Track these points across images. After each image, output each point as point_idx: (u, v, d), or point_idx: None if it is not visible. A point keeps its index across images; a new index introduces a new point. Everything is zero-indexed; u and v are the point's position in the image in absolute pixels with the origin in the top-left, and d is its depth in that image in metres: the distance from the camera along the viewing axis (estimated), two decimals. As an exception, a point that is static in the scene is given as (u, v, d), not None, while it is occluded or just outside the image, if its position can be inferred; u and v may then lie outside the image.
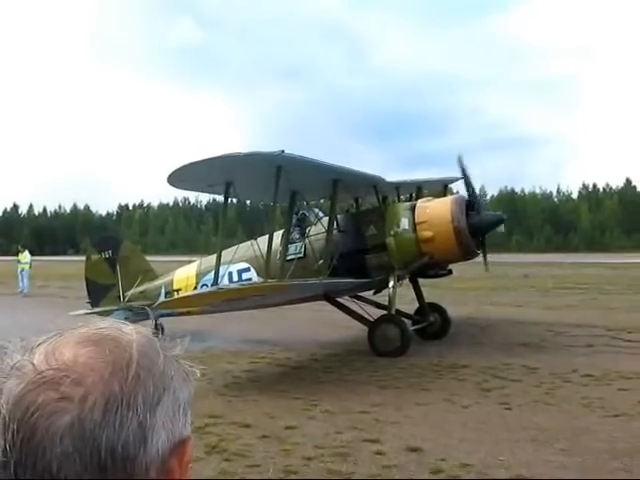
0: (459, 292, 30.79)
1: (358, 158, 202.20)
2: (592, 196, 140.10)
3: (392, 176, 20.22)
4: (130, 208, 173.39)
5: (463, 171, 18.33)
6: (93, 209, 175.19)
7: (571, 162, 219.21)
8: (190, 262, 22.56)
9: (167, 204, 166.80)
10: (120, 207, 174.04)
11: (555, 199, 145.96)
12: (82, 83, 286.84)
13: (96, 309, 20.48)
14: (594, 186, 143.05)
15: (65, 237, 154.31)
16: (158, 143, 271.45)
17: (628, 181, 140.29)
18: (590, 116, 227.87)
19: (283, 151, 15.23)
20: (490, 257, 18.92)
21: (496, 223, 18.58)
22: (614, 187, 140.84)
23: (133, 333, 1.15)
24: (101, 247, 21.76)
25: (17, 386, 1.05)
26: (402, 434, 9.81)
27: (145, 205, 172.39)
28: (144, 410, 1.07)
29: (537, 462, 8.46)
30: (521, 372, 14.09)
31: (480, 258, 18.50)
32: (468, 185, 18.41)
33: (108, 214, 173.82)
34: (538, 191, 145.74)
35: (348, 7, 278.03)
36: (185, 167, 15.22)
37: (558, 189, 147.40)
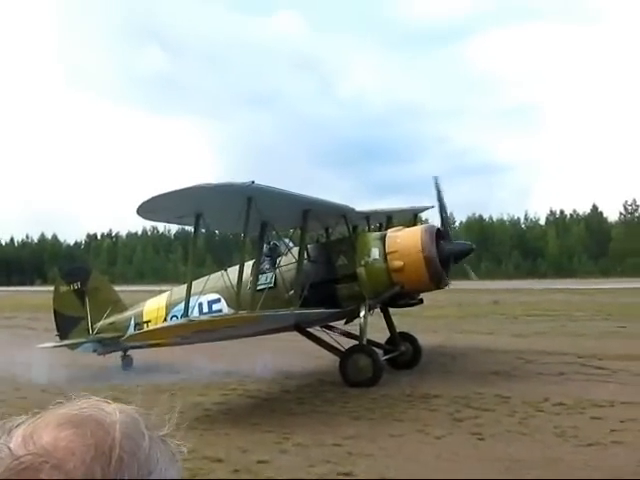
0: (429, 320, 30.79)
1: (327, 186, 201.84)
2: (559, 222, 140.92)
3: (361, 204, 20.38)
4: (98, 237, 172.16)
5: (439, 194, 18.45)
6: (61, 238, 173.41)
7: (538, 188, 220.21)
8: (159, 292, 22.44)
9: (135, 233, 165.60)
10: (88, 236, 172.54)
11: (523, 225, 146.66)
12: (50, 112, 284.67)
13: (65, 341, 20.27)
14: (561, 212, 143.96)
15: (33, 267, 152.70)
16: (127, 171, 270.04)
17: (594, 207, 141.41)
18: (556, 143, 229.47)
19: (253, 182, 15.21)
20: (459, 284, 18.99)
21: (466, 252, 18.67)
22: (581, 213, 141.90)
23: (116, 413, 1.09)
24: (70, 278, 21.57)
25: None
26: (376, 466, 9.76)
27: (113, 234, 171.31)
28: None
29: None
30: (493, 401, 14.08)
31: (452, 286, 18.57)
32: (442, 208, 18.52)
33: (76, 243, 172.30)
34: (506, 217, 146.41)
35: (315, 37, 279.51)
36: (154, 198, 15.12)
37: (526, 215, 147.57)
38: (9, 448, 1.02)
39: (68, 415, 1.08)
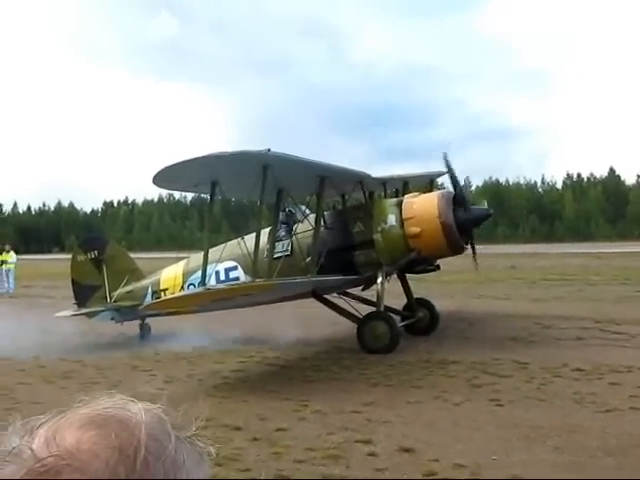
0: (446, 285, 30.79)
1: (341, 153, 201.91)
2: (576, 185, 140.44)
3: (376, 170, 20.19)
4: (115, 205, 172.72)
5: (448, 168, 18.32)
6: (78, 207, 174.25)
7: (555, 152, 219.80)
8: (176, 259, 22.46)
9: (152, 200, 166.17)
10: (105, 204, 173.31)
11: (540, 189, 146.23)
12: (65, 82, 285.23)
13: (83, 310, 20.35)
14: (578, 175, 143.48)
15: (50, 235, 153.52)
16: (142, 139, 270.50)
17: (612, 170, 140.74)
18: (573, 106, 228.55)
19: (269, 149, 15.14)
20: (477, 248, 18.90)
21: (484, 218, 18.57)
22: (598, 176, 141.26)
23: (141, 413, 1.05)
24: (87, 247, 21.61)
25: (15, 474, 0.96)
26: (394, 434, 9.75)
27: (130, 202, 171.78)
28: None
29: (530, 461, 8.42)
30: (511, 367, 14.05)
31: (469, 251, 18.51)
32: (454, 181, 18.41)
33: (93, 211, 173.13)
34: (522, 181, 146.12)
35: (326, 2, 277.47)
36: (170, 167, 15.08)
37: (542, 179, 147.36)
38: (31, 449, 0.99)
39: (91, 415, 1.04)
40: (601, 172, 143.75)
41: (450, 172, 18.33)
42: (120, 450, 0.98)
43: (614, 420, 10.08)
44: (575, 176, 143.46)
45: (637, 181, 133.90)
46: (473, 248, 18.46)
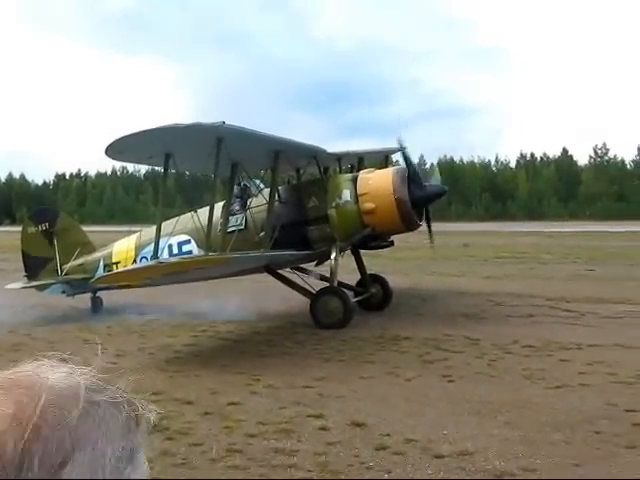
0: (400, 262, 30.90)
1: (298, 128, 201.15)
2: (529, 165, 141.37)
3: (333, 146, 20.20)
4: (67, 177, 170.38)
5: (402, 150, 18.37)
6: (29, 178, 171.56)
7: (509, 131, 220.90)
8: (129, 232, 22.26)
9: (105, 173, 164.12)
10: (57, 176, 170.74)
11: (493, 168, 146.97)
12: (18, 52, 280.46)
13: (34, 282, 20.13)
14: (531, 155, 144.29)
15: (0, 207, 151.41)
16: (96, 111, 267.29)
17: (565, 150, 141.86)
18: (527, 85, 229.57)
19: (224, 122, 15.00)
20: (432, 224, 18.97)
21: (438, 194, 18.61)
22: (551, 156, 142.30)
23: (53, 377, 0.98)
24: (38, 220, 21.33)
25: None
26: (346, 409, 9.77)
27: (82, 174, 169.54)
28: (41, 474, 0.89)
29: (481, 436, 8.48)
30: (463, 343, 14.16)
31: (423, 227, 18.57)
32: (407, 162, 18.45)
33: (45, 183, 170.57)
34: (477, 160, 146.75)
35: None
36: (123, 139, 14.88)
37: (496, 158, 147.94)
38: None
39: (1, 380, 0.98)
40: (554, 152, 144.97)
41: (404, 154, 18.41)
42: (13, 417, 0.92)
43: (563, 396, 10.19)
44: (528, 155, 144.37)
45: (589, 162, 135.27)
46: (429, 225, 18.51)
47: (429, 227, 18.59)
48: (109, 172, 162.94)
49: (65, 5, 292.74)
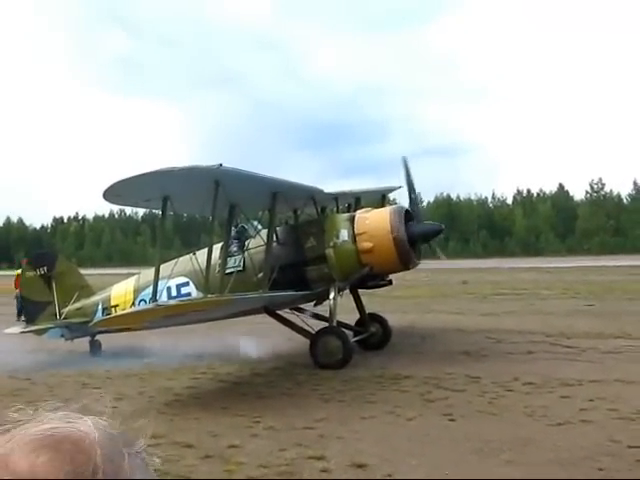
0: (399, 300, 30.90)
1: (294, 169, 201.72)
2: (526, 201, 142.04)
3: (329, 185, 20.30)
4: (65, 221, 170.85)
5: (407, 174, 18.45)
6: (27, 222, 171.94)
7: (505, 168, 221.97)
8: (128, 275, 22.27)
9: (103, 216, 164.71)
10: (55, 220, 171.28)
11: (490, 204, 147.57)
12: (15, 95, 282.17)
13: (32, 327, 20.10)
14: (528, 191, 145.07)
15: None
16: (94, 154, 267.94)
17: (561, 186, 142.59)
18: (523, 122, 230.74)
19: (221, 164, 15.08)
20: (427, 264, 18.98)
21: (435, 233, 18.68)
22: (547, 192, 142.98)
23: (93, 431, 1.01)
24: (36, 264, 21.34)
25: None
26: (347, 450, 9.71)
27: (80, 217, 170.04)
28: None
29: (482, 474, 8.44)
30: (463, 381, 14.11)
31: (421, 266, 18.61)
32: (411, 188, 18.53)
33: (43, 227, 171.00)
34: (473, 197, 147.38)
35: (278, 17, 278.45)
36: (120, 182, 14.93)
37: (493, 194, 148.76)
38: None
39: (42, 437, 0.99)
40: (550, 188, 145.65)
41: (408, 178, 18.48)
42: (76, 474, 0.94)
43: (565, 433, 10.15)
44: (525, 192, 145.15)
45: (585, 197, 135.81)
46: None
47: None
48: (107, 215, 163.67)
49: (65, 47, 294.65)
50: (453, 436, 10.26)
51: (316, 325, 17.65)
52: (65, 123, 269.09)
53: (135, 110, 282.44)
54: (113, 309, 19.46)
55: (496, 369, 15.24)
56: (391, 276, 19.56)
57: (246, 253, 18.00)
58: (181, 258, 18.65)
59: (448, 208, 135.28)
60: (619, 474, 8.23)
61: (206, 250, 16.60)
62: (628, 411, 11.16)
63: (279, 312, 18.37)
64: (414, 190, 18.75)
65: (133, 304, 19.04)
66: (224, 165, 15.15)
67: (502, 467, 8.69)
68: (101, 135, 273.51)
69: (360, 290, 19.44)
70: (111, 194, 15.84)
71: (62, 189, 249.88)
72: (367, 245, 17.19)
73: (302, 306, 18.81)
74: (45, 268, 20.83)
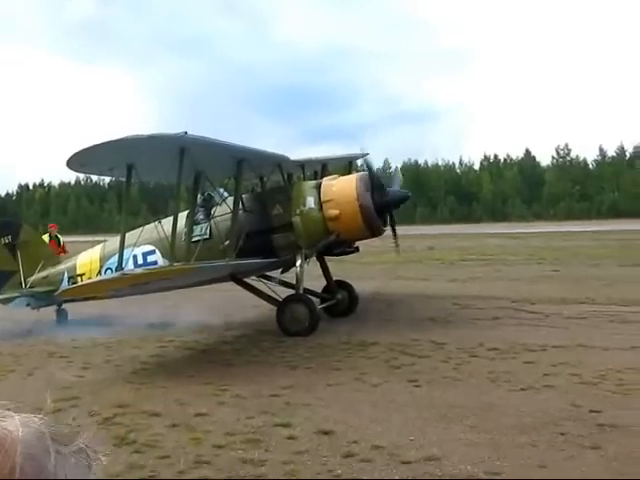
0: (365, 267, 30.99)
1: (262, 134, 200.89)
2: (493, 167, 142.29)
3: (297, 151, 20.30)
4: (30, 188, 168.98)
5: (370, 171, 18.38)
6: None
7: (472, 133, 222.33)
8: (94, 243, 22.13)
9: (69, 183, 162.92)
10: (20, 187, 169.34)
11: (458, 170, 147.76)
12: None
13: (-3, 296, 19.93)
14: (495, 157, 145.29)
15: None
16: (59, 120, 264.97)
17: (527, 151, 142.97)
18: (489, 87, 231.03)
19: (186, 132, 14.98)
20: (397, 230, 19.01)
21: (402, 200, 18.71)
22: (514, 158, 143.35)
23: (18, 430, 0.98)
24: (0, 232, 21.10)
25: None
26: (314, 417, 9.79)
27: (46, 184, 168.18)
28: None
29: (447, 440, 8.54)
30: (429, 348, 14.23)
31: (388, 232, 18.64)
32: (370, 169, 18.52)
33: (8, 194, 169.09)
34: (441, 163, 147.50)
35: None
36: (84, 151, 14.77)
37: (460, 160, 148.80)
38: None
39: None
40: (517, 153, 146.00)
41: (367, 162, 18.54)
42: None
43: (528, 398, 10.29)
44: (492, 157, 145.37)
45: (552, 162, 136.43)
46: (394, 230, 18.58)
47: (394, 232, 18.65)
48: (73, 182, 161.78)
49: (26, 14, 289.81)
50: (418, 402, 10.36)
51: (283, 292, 17.68)
52: (29, 88, 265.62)
53: (100, 76, 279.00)
54: (79, 278, 19.34)
55: (461, 335, 15.38)
56: (358, 243, 19.61)
57: (212, 221, 17.95)
58: (147, 226, 18.55)
59: (416, 174, 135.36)
60: (581, 439, 8.37)
61: (172, 218, 16.53)
62: (590, 376, 11.33)
63: (246, 280, 18.37)
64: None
65: (99, 273, 18.95)
66: (189, 133, 15.06)
67: (466, 432, 8.80)
68: (66, 102, 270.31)
69: (327, 257, 19.47)
70: (75, 163, 15.69)
71: (27, 156, 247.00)
72: (333, 212, 17.20)
73: (269, 273, 18.82)
74: (9, 237, 20.60)
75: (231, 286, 18.82)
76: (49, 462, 0.97)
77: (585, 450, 8.03)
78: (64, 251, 25.34)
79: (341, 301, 19.20)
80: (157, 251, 18.15)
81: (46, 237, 24.87)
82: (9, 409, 1.05)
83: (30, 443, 0.97)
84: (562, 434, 8.56)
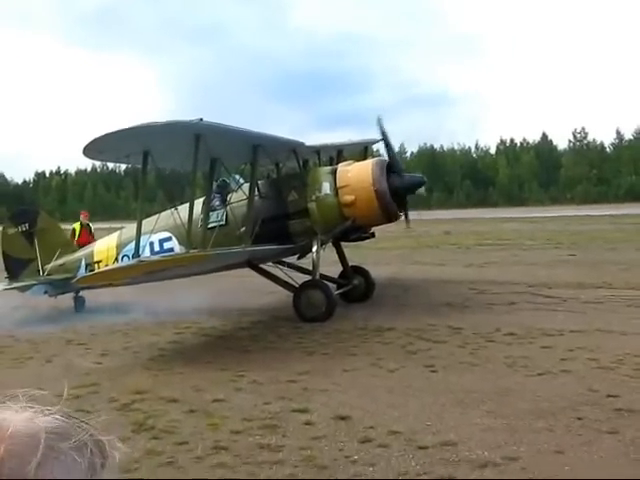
0: (382, 252, 30.96)
1: (277, 120, 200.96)
2: (509, 151, 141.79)
3: (312, 137, 20.34)
4: (47, 175, 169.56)
5: (383, 134, 18.34)
6: (8, 177, 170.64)
7: (488, 117, 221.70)
8: (111, 230, 22.21)
9: (85, 170, 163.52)
10: (37, 175, 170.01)
11: (474, 154, 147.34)
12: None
13: (15, 284, 20.04)
14: (511, 141, 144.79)
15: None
16: (75, 108, 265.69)
17: (544, 135, 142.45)
18: (505, 71, 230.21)
19: (202, 119, 14.99)
20: (412, 215, 19.00)
21: (417, 185, 18.66)
22: (531, 141, 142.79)
23: (10, 425, 0.96)
24: (17, 220, 21.19)
25: None
26: (330, 402, 9.80)
27: (62, 172, 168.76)
28: None
29: (464, 425, 8.54)
30: (446, 333, 14.21)
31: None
32: (388, 147, 18.46)
33: (25, 182, 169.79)
34: (457, 147, 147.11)
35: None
36: (101, 138, 14.81)
37: (476, 144, 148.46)
38: None
39: None
40: (534, 137, 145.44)
41: (384, 138, 18.36)
42: None
43: (545, 383, 10.27)
44: (508, 141, 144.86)
45: (569, 146, 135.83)
46: (406, 214, 18.52)
47: (406, 212, 18.53)
48: (89, 169, 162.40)
49: (42, 3, 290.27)
50: (434, 387, 10.37)
51: (299, 278, 17.69)
52: (46, 78, 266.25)
53: (115, 65, 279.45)
54: (96, 265, 19.43)
55: (478, 320, 15.35)
56: (374, 228, 19.58)
57: (228, 207, 17.97)
58: (163, 213, 18.57)
59: (432, 158, 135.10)
60: (598, 423, 8.35)
61: (188, 205, 16.55)
62: (607, 360, 11.30)
63: (262, 266, 18.39)
64: (392, 149, 18.68)
65: (116, 260, 19.03)
66: (204, 119, 15.07)
67: (482, 418, 8.79)
68: (83, 89, 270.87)
69: (343, 243, 19.46)
70: (91, 150, 15.74)
71: (44, 144, 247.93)
72: (349, 198, 17.18)
73: (285, 259, 18.83)
74: (27, 225, 20.71)
75: (247, 272, 18.84)
76: (34, 459, 0.94)
77: (602, 435, 8.01)
78: (94, 239, 25.22)
79: (357, 287, 19.18)
80: (173, 238, 18.19)
81: (77, 225, 24.75)
82: (31, 395, 1.04)
83: (19, 439, 0.96)
84: (579, 419, 8.54)
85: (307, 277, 17.53)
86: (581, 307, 16.52)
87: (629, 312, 15.74)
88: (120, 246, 19.34)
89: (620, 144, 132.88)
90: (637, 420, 8.45)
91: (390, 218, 17.83)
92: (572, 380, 10.34)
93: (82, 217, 25.48)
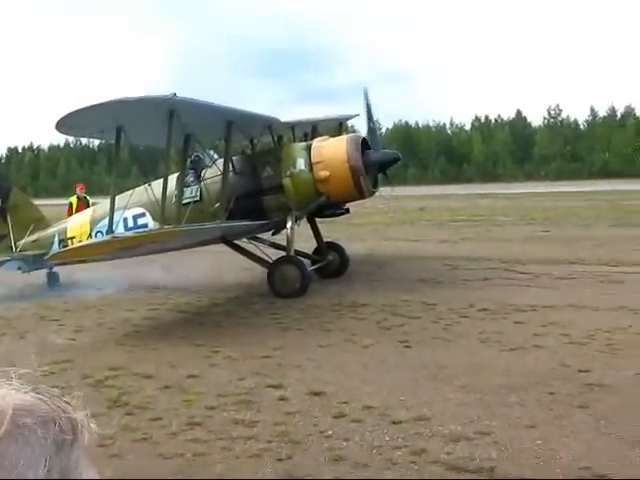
0: (356, 228, 30.98)
1: (254, 96, 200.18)
2: (484, 127, 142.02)
3: (287, 113, 20.18)
4: (19, 151, 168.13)
5: (367, 106, 18.39)
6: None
7: (463, 94, 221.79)
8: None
9: (58, 145, 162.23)
10: (9, 150, 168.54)
11: (448, 131, 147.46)
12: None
13: (-14, 260, 19.87)
14: (486, 117, 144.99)
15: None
16: (48, 83, 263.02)
17: (519, 112, 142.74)
18: (480, 48, 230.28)
19: (175, 94, 14.88)
20: (386, 190, 19.05)
21: (392, 161, 18.69)
22: (505, 118, 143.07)
23: None
24: (-11, 196, 20.98)
25: None
26: (305, 378, 9.84)
27: (35, 147, 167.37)
28: None
29: (437, 400, 8.60)
30: (419, 308, 14.28)
31: (378, 193, 18.69)
32: (370, 119, 18.52)
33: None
34: (432, 123, 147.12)
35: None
36: (73, 113, 14.66)
37: (451, 121, 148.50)
38: None
39: None
40: (508, 114, 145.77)
41: (368, 110, 18.43)
42: None
43: (518, 358, 10.36)
44: (483, 118, 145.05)
45: (543, 123, 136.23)
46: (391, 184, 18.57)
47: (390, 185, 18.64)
48: (62, 144, 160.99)
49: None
50: (408, 363, 10.43)
51: (274, 254, 17.68)
52: (16, 50, 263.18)
53: (90, 39, 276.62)
54: (70, 241, 19.29)
55: (452, 296, 15.43)
56: (349, 204, 19.59)
57: (202, 183, 17.90)
58: (137, 189, 18.47)
59: (406, 135, 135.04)
60: (569, 398, 8.44)
61: (162, 181, 16.46)
62: (579, 336, 11.40)
63: (237, 242, 18.35)
64: (373, 121, 18.73)
65: (90, 236, 18.91)
66: (178, 95, 14.96)
67: (456, 393, 8.86)
68: (55, 63, 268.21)
69: (318, 218, 19.45)
70: (64, 125, 15.58)
71: (16, 119, 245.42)
72: (324, 174, 17.16)
73: (259, 235, 18.80)
74: (-1, 201, 20.52)
75: (222, 248, 18.81)
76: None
77: (573, 409, 8.10)
78: None
79: (332, 262, 19.21)
80: (147, 214, 18.10)
81: (74, 199, 24.39)
82: (4, 372, 1.03)
83: None
84: (551, 394, 8.63)
85: (282, 253, 17.52)
86: (554, 283, 16.64)
87: (601, 288, 15.88)
88: (94, 222, 19.20)
89: (594, 121, 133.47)
90: (607, 395, 8.56)
91: (364, 194, 17.83)
92: (544, 355, 10.44)
93: (78, 190, 24.88)
